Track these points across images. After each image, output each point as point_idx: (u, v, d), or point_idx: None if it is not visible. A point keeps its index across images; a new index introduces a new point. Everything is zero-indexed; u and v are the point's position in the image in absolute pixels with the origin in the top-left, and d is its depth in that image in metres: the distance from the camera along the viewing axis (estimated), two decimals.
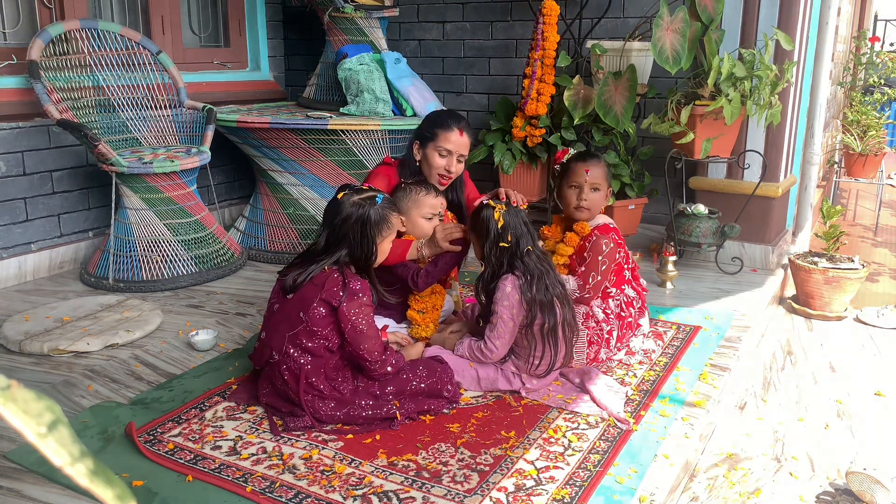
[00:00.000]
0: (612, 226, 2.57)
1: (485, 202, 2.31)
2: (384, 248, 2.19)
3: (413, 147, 2.66)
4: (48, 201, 3.47)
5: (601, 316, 2.46)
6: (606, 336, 2.44)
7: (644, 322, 2.59)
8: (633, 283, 2.61)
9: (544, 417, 2.12)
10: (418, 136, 2.65)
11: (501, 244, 2.24)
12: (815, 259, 3.53)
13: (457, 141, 2.58)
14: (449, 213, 2.72)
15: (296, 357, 2.01)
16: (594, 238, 2.49)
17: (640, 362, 2.51)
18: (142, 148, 3.53)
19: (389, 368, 2.07)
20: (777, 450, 2.29)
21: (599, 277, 2.45)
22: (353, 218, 2.08)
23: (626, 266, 2.57)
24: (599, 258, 2.45)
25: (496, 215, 2.24)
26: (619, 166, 3.71)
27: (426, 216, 2.51)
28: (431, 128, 2.60)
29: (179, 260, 3.32)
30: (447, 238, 2.39)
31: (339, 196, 2.14)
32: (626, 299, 2.53)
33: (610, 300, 2.50)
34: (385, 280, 2.49)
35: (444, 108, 2.68)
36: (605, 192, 2.58)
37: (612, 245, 2.47)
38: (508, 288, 2.21)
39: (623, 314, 2.49)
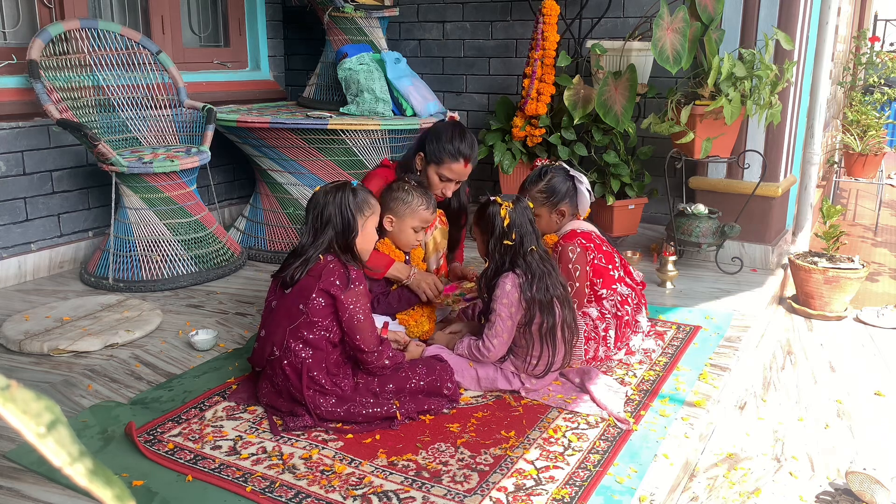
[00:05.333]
0: (578, 231, 2.56)
1: (492, 199, 2.32)
2: (368, 230, 2.19)
3: (417, 157, 2.65)
4: (48, 201, 3.47)
5: (595, 314, 2.46)
6: (603, 334, 2.44)
7: (642, 319, 2.58)
8: (626, 280, 2.60)
9: (544, 417, 2.12)
10: (424, 148, 2.63)
11: (505, 242, 2.24)
12: (815, 259, 3.52)
13: (460, 171, 2.62)
14: (439, 210, 2.72)
15: (297, 351, 2.02)
16: (559, 248, 2.52)
17: (640, 362, 2.51)
18: (142, 148, 3.53)
19: (387, 361, 2.08)
20: (777, 450, 2.29)
21: (577, 284, 2.46)
22: (330, 203, 2.12)
23: (611, 265, 2.56)
24: (570, 266, 2.47)
25: (503, 212, 2.25)
26: (619, 166, 3.71)
27: (416, 228, 2.52)
28: (441, 152, 2.58)
29: (179, 260, 3.32)
30: (429, 294, 2.49)
31: (316, 190, 2.19)
32: (620, 298, 2.52)
33: (604, 301, 2.50)
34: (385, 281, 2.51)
35: (458, 125, 2.63)
36: (547, 217, 2.58)
37: (578, 250, 2.48)
38: (508, 286, 2.21)
39: (619, 313, 2.49)
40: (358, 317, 2.03)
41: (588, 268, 2.51)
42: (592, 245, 2.54)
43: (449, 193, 2.66)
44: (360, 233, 2.15)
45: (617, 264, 2.59)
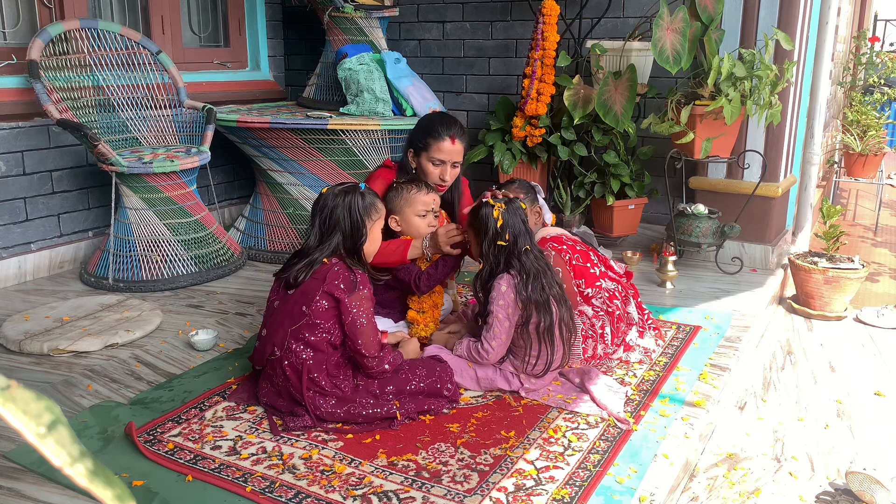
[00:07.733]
0: (548, 237, 2.63)
1: (484, 200, 2.31)
2: (374, 234, 2.21)
3: (407, 155, 2.66)
4: (48, 201, 3.47)
5: (591, 312, 2.46)
6: (600, 331, 2.44)
7: (632, 310, 2.58)
8: (609, 274, 2.61)
9: (544, 417, 2.12)
10: (411, 143, 2.65)
11: (499, 242, 2.24)
12: (815, 259, 3.53)
13: (449, 150, 2.58)
14: (442, 211, 2.72)
15: (298, 352, 2.02)
16: None
17: (640, 362, 2.51)
18: (141, 148, 3.53)
19: (387, 366, 2.08)
20: (777, 450, 2.29)
21: (565, 285, 2.47)
22: (339, 205, 2.13)
23: (589, 263, 2.58)
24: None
25: (495, 213, 2.25)
26: (619, 166, 3.71)
27: (419, 213, 2.51)
28: (423, 137, 2.59)
29: (179, 260, 3.32)
30: (449, 242, 2.41)
31: (323, 191, 2.19)
32: (607, 294, 2.53)
33: (593, 300, 2.51)
34: (387, 284, 2.50)
35: (437, 112, 2.69)
36: (529, 209, 2.63)
37: (552, 253, 2.54)
38: (503, 287, 2.21)
39: (610, 308, 2.50)
40: (361, 321, 2.03)
41: (568, 267, 2.53)
42: (565, 246, 2.59)
43: (448, 178, 2.62)
44: (367, 237, 2.16)
45: (595, 261, 2.61)
